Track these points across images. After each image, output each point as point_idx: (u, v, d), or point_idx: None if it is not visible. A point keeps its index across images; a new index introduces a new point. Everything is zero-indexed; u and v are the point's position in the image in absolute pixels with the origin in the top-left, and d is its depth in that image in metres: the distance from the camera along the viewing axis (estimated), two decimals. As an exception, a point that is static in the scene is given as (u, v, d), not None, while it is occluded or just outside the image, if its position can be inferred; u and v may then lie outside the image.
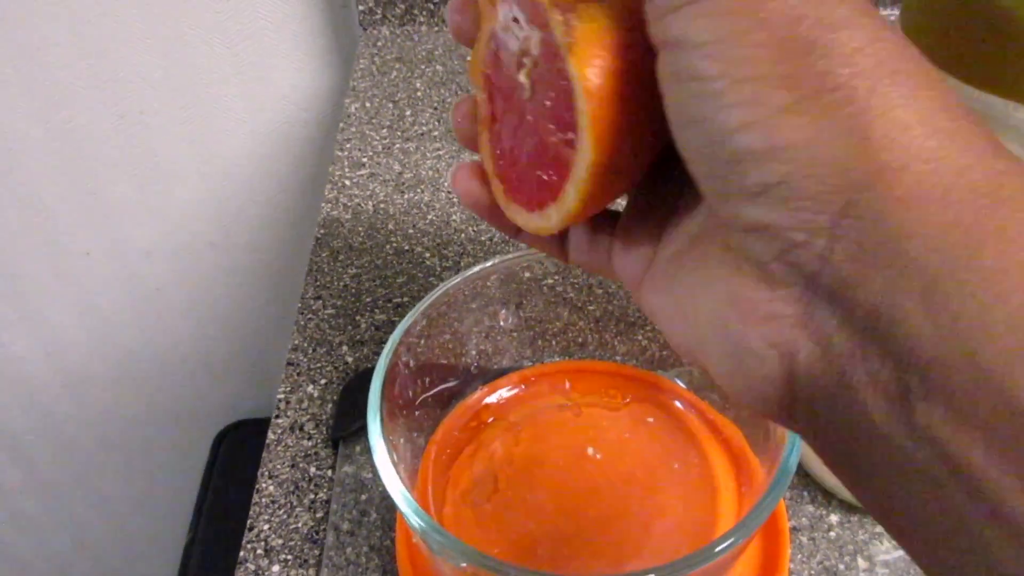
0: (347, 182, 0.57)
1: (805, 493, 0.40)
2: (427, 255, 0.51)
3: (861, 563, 0.37)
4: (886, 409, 0.16)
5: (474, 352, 0.41)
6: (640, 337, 0.45)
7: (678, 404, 0.41)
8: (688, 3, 0.17)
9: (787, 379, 0.18)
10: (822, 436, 0.18)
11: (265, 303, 0.88)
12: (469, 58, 0.25)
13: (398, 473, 0.31)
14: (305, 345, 0.47)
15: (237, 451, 0.94)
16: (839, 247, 0.16)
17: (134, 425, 1.00)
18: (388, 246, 0.52)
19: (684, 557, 0.28)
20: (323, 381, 0.45)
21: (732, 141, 0.17)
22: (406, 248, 0.52)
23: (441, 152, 0.59)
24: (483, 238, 0.52)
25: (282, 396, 0.44)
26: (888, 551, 0.37)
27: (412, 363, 0.37)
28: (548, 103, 0.21)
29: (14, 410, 0.95)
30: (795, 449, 0.31)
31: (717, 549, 0.28)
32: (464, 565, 0.29)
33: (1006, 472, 0.14)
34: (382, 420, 0.33)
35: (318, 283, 0.50)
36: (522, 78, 0.22)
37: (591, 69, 0.19)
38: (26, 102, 0.70)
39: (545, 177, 0.22)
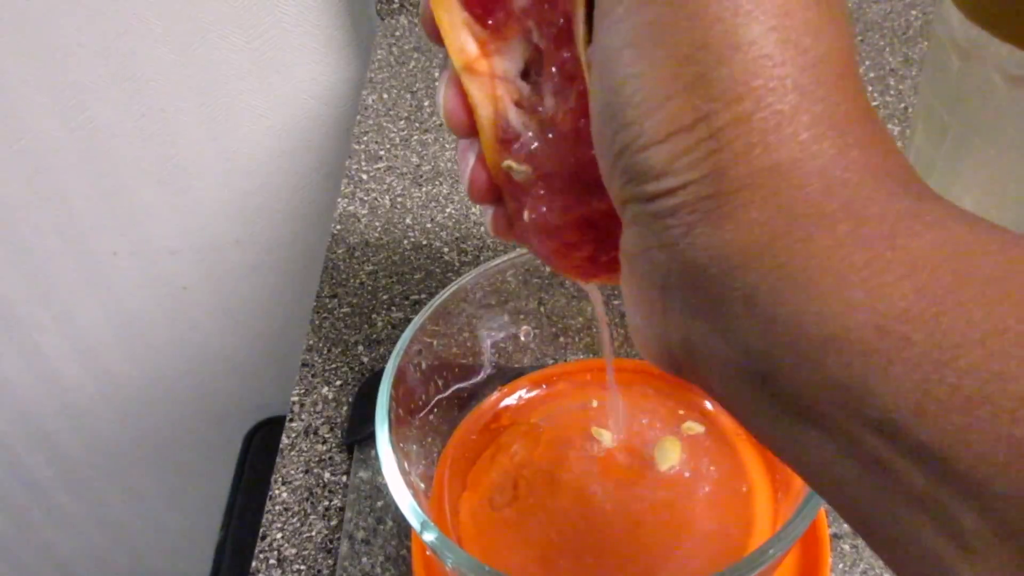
0: (364, 176, 0.55)
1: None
2: (445, 250, 0.50)
3: (908, 573, 0.35)
4: (742, 383, 0.16)
5: (491, 351, 0.39)
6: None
7: (708, 403, 0.39)
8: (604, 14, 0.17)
9: (668, 353, 0.18)
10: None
11: (291, 300, 0.88)
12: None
13: (408, 484, 0.29)
14: (320, 345, 0.45)
15: (267, 448, 0.94)
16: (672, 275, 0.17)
17: (165, 422, 1.00)
18: (405, 241, 0.50)
19: (723, 571, 0.26)
20: (338, 382, 0.44)
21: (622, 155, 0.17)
22: (424, 243, 0.50)
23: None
24: (503, 231, 0.50)
25: (296, 399, 0.43)
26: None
27: (425, 364, 0.35)
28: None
29: (48, 409, 0.95)
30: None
31: (753, 564, 0.26)
32: (477, 581, 0.27)
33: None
34: (391, 428, 0.31)
35: (334, 280, 0.49)
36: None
37: None
38: (48, 103, 0.70)
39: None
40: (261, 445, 0.95)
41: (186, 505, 1.10)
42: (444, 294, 0.35)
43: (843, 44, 0.16)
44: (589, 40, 0.18)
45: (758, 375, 0.16)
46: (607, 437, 0.38)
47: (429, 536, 0.27)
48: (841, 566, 0.35)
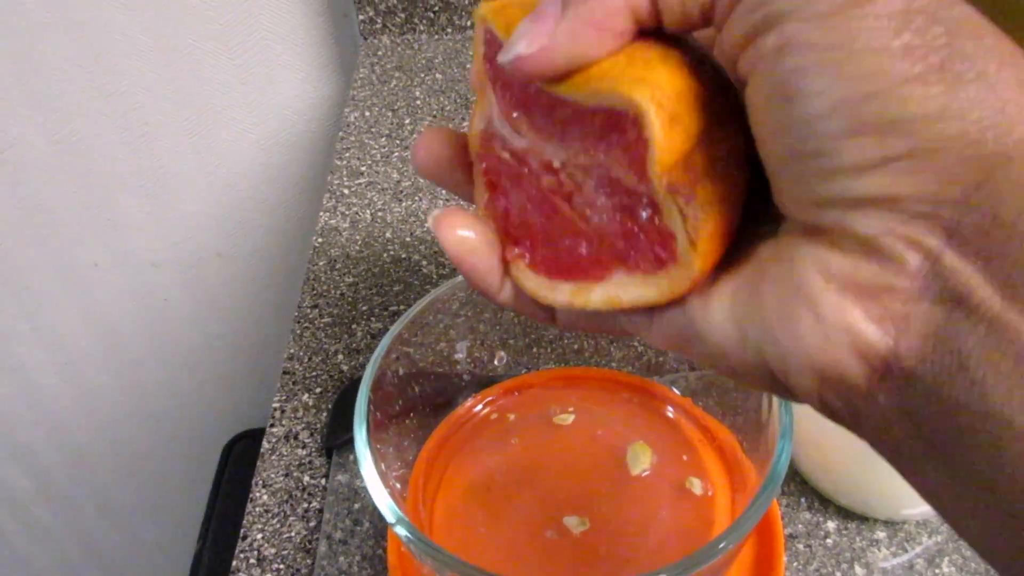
0: (345, 191, 0.57)
1: (802, 500, 0.39)
2: (424, 263, 0.51)
3: (859, 570, 0.36)
4: (1013, 396, 0.15)
5: (466, 360, 0.41)
6: (636, 343, 0.45)
7: (672, 410, 0.41)
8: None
9: (883, 357, 0.17)
10: (907, 415, 0.17)
11: (272, 312, 0.89)
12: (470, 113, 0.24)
13: (384, 483, 0.31)
14: (301, 354, 0.47)
15: (246, 460, 0.94)
16: (968, 220, 0.16)
17: (144, 434, 1.00)
18: (385, 254, 0.52)
19: (677, 562, 0.28)
20: (318, 390, 0.45)
21: (853, 112, 0.16)
22: (403, 256, 0.52)
23: (439, 160, 0.59)
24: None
25: (277, 405, 0.44)
26: (887, 558, 0.37)
27: (402, 371, 0.37)
28: (605, 214, 0.22)
29: (27, 421, 0.95)
30: (786, 450, 0.31)
31: (708, 554, 0.28)
32: (449, 574, 0.29)
33: None
34: (369, 431, 0.32)
35: (315, 292, 0.50)
36: (546, 179, 0.23)
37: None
38: (31, 116, 0.71)
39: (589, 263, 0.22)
40: (239, 457, 0.95)
41: (163, 518, 1.10)
42: (421, 303, 0.37)
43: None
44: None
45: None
46: (569, 420, 0.40)
47: (403, 531, 0.29)
48: (795, 564, 0.37)
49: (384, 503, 0.30)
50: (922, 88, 0.16)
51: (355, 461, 0.42)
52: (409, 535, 0.29)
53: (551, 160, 0.22)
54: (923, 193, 0.16)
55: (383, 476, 0.32)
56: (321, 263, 0.52)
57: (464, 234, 0.23)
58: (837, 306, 0.17)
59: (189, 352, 0.93)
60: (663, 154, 0.19)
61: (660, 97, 0.19)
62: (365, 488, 0.41)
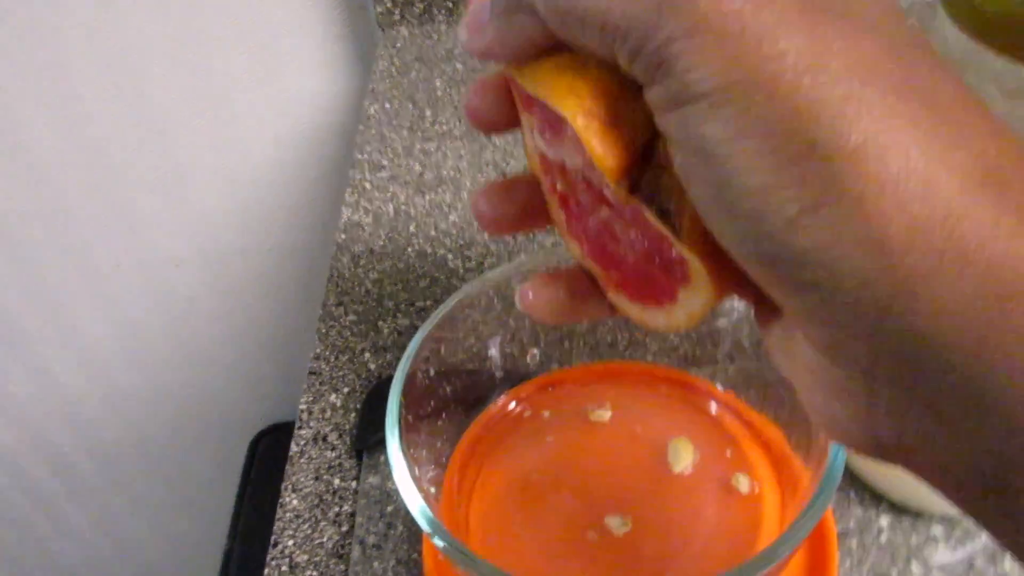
0: (367, 185, 0.56)
1: (852, 494, 0.38)
2: (450, 257, 0.50)
3: (916, 569, 0.35)
4: (972, 487, 0.16)
5: (498, 357, 0.39)
6: (672, 335, 0.43)
7: (714, 404, 0.39)
8: (689, 101, 0.16)
9: (876, 443, 0.17)
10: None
11: (295, 307, 0.88)
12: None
13: (419, 490, 0.30)
14: (327, 353, 0.46)
15: (272, 455, 0.94)
16: (882, 359, 0.16)
17: (170, 432, 1.00)
18: (410, 249, 0.50)
19: (730, 572, 0.26)
20: (346, 389, 0.44)
21: (758, 247, 0.16)
22: (428, 251, 0.50)
23: (462, 151, 0.57)
24: (506, 238, 0.51)
25: (304, 407, 0.43)
26: (944, 555, 0.35)
27: (432, 372, 0.35)
28: (636, 231, 0.21)
29: (54, 421, 0.96)
30: (841, 451, 0.29)
31: (764, 562, 0.27)
32: (489, 583, 0.28)
33: None
34: (401, 434, 0.31)
35: (339, 289, 0.49)
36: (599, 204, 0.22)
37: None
38: (49, 116, 0.70)
39: (656, 280, 0.21)
40: (266, 452, 0.96)
41: (192, 513, 1.10)
42: (451, 302, 0.36)
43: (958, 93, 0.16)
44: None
45: (994, 481, 0.15)
46: (606, 416, 0.38)
47: (441, 542, 0.28)
48: (848, 563, 0.35)
49: (420, 512, 0.29)
50: (809, 225, 0.15)
51: (386, 462, 0.41)
52: (447, 547, 0.27)
53: (578, 172, 0.21)
54: (835, 325, 0.16)
55: (417, 482, 0.31)
56: (344, 259, 0.51)
57: (556, 296, 0.24)
58: (826, 398, 0.18)
59: (213, 349, 0.93)
60: (607, 162, 0.18)
61: (590, 105, 0.18)
62: (397, 491, 0.40)
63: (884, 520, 0.37)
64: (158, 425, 0.99)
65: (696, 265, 0.19)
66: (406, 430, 0.32)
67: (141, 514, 1.09)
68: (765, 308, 0.20)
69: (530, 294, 0.24)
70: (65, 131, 0.71)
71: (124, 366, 0.93)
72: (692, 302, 0.20)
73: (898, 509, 0.37)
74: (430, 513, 0.29)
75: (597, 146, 0.18)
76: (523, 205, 0.24)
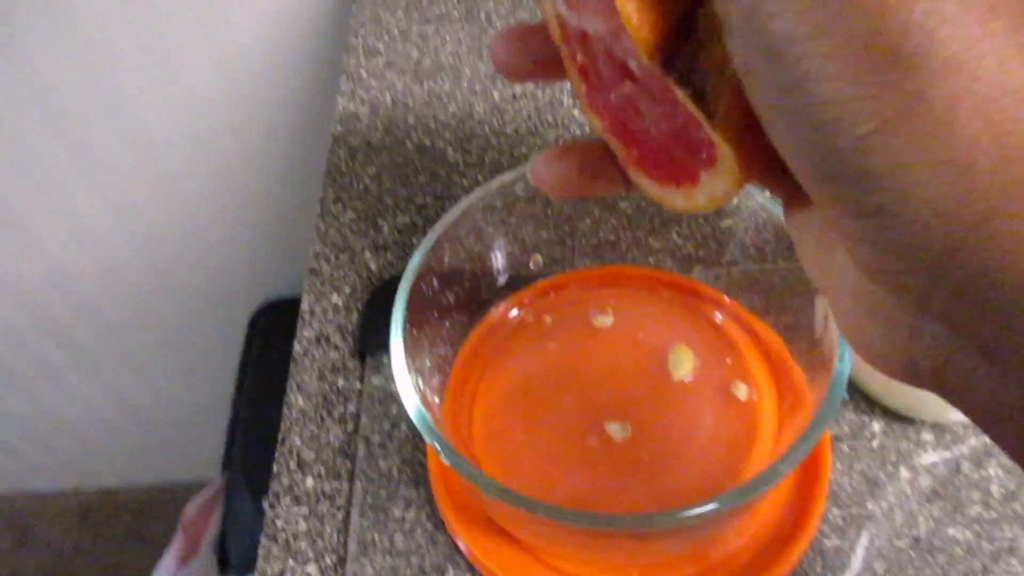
0: (363, 72, 0.53)
1: (847, 399, 0.38)
2: (449, 150, 0.49)
3: (904, 472, 0.36)
4: (1019, 427, 0.15)
5: (502, 259, 0.39)
6: (675, 235, 0.43)
7: (715, 310, 0.39)
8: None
9: (911, 371, 0.17)
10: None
11: (288, 188, 0.87)
12: None
13: (421, 400, 0.30)
14: (327, 252, 0.45)
15: (272, 330, 0.96)
16: (940, 292, 0.15)
17: (169, 307, 1.01)
18: (408, 142, 0.49)
19: (735, 488, 0.27)
20: (347, 290, 0.44)
21: (823, 162, 0.15)
22: (427, 144, 0.49)
23: (462, 35, 0.55)
24: (508, 130, 0.49)
25: (306, 306, 0.43)
26: (932, 460, 0.36)
27: (436, 280, 0.35)
28: (662, 108, 0.20)
29: (52, 296, 0.96)
30: (845, 371, 0.29)
31: (765, 481, 0.27)
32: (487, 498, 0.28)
33: None
34: (405, 345, 0.31)
35: (337, 184, 0.48)
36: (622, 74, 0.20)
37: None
38: (29, -7, 0.67)
39: (678, 161, 0.20)
40: (266, 327, 0.97)
41: (195, 383, 1.13)
42: (455, 211, 0.35)
43: None
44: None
45: None
46: (608, 322, 0.38)
47: (444, 455, 0.28)
48: (840, 466, 0.37)
49: (421, 421, 0.29)
50: (883, 143, 0.14)
51: (389, 364, 0.41)
52: (450, 459, 0.28)
53: (600, 42, 0.20)
54: (894, 253, 0.15)
55: (420, 392, 0.31)
56: (342, 153, 0.49)
57: (569, 169, 0.23)
58: (864, 319, 0.17)
59: (209, 227, 0.93)
60: (642, 33, 0.17)
61: None
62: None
63: (877, 425, 0.37)
64: (157, 300, 1.00)
65: (725, 151, 0.18)
66: (409, 341, 0.32)
67: (144, 381, 1.12)
68: (799, 211, 0.19)
69: (542, 167, 0.23)
70: (51, 11, 0.68)
71: (119, 242, 0.93)
72: (714, 187, 0.20)
73: (891, 415, 0.38)
74: (431, 423, 0.29)
75: (633, 14, 0.17)
76: (539, 55, 0.23)
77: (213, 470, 0.91)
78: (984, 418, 0.16)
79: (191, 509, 0.73)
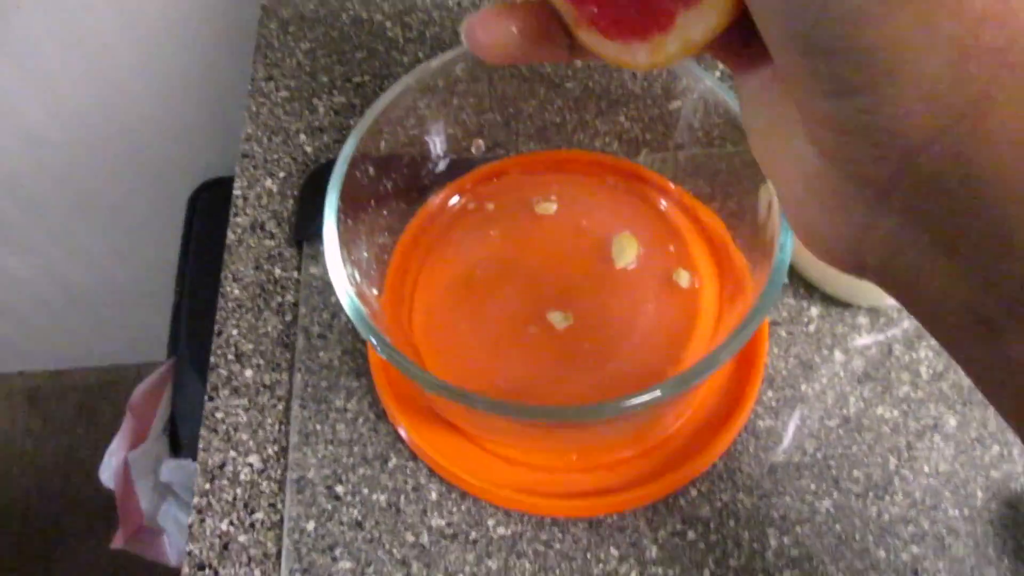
0: (291, -67, 0.49)
1: (787, 285, 0.39)
2: (388, 24, 0.46)
3: (838, 355, 0.37)
4: (964, 323, 0.15)
5: (442, 143, 0.38)
6: (622, 117, 0.42)
7: (660, 196, 0.39)
8: None
9: (858, 262, 0.16)
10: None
11: (218, 62, 0.82)
12: None
13: (357, 293, 0.29)
14: (259, 134, 0.43)
15: (212, 210, 0.94)
16: (906, 182, 0.14)
17: (103, 185, 0.98)
18: (344, 15, 0.46)
19: (676, 376, 0.27)
20: (281, 174, 0.42)
21: (812, 33, 0.13)
22: (364, 17, 0.46)
23: None
24: (450, 3, 0.46)
25: (239, 192, 0.42)
26: (866, 342, 0.37)
27: (372, 166, 0.34)
28: None
29: (-21, 178, 0.92)
30: (786, 260, 0.29)
31: (708, 366, 0.27)
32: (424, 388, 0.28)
33: None
34: (340, 235, 0.30)
35: (268, 61, 0.45)
36: None
37: None
38: None
39: (649, 6, 0.19)
40: (206, 207, 0.95)
41: (137, 266, 1.11)
42: (392, 92, 0.33)
43: None
44: None
45: (988, 322, 0.14)
46: (551, 209, 0.38)
47: (381, 351, 0.28)
48: (776, 350, 0.37)
49: (358, 318, 0.29)
50: (889, 15, 0.13)
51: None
52: (389, 354, 0.28)
53: None
54: (876, 136, 0.14)
55: (355, 284, 0.30)
56: (272, 26, 0.46)
57: (507, 31, 0.20)
58: (816, 209, 0.17)
59: (136, 101, 0.88)
60: None
61: None
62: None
63: (815, 310, 0.38)
64: (89, 178, 0.96)
65: None
66: (344, 232, 0.31)
67: (84, 264, 1.09)
68: (755, 90, 0.18)
69: (477, 30, 0.21)
70: None
71: (41, 116, 0.88)
72: (693, 28, 0.18)
73: (829, 300, 0.38)
74: (367, 317, 0.29)
75: None
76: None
77: (161, 353, 0.91)
78: (921, 311, 0.16)
79: (139, 393, 0.73)
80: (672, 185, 0.39)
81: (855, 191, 0.15)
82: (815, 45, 0.14)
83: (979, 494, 0.33)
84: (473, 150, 0.39)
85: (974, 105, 0.13)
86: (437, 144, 0.37)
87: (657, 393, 0.27)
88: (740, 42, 0.19)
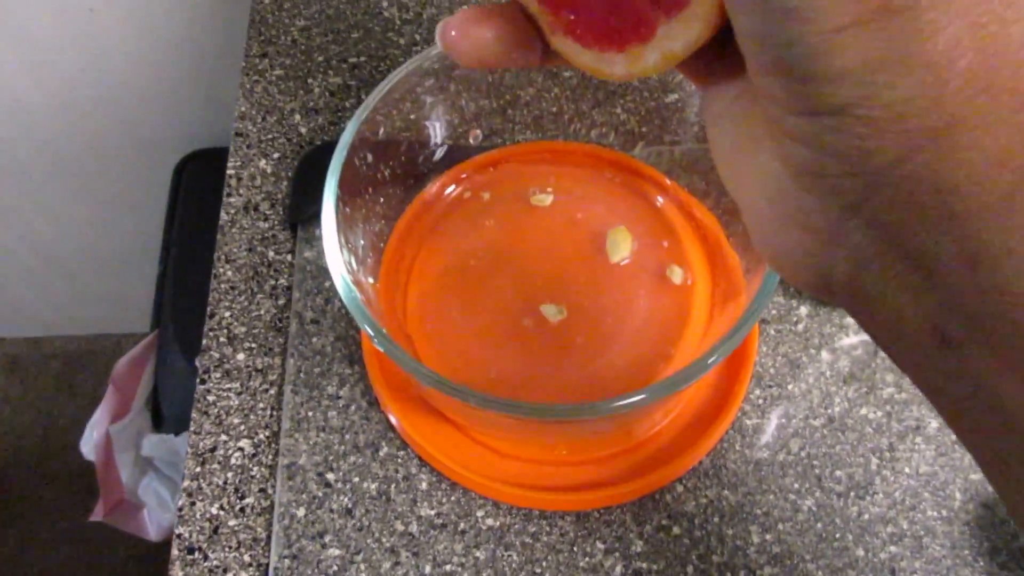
0: (289, -92, 0.48)
1: (777, 285, 0.39)
2: (384, 4, 0.45)
3: (825, 355, 0.37)
4: (925, 339, 0.15)
5: (440, 132, 0.37)
6: (619, 109, 0.42)
7: (656, 192, 0.39)
8: None
9: (823, 281, 0.17)
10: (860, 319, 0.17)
11: (209, 34, 0.81)
12: None
13: (354, 282, 0.29)
14: (253, 113, 0.42)
15: (198, 181, 0.93)
16: (877, 199, 0.14)
17: (87, 152, 0.96)
18: (341, -7, 0.45)
19: (668, 378, 0.28)
20: (276, 155, 0.42)
21: (787, 52, 0.13)
22: (361, -4, 0.45)
23: None
24: (449, -15, 0.46)
25: (232, 172, 0.41)
26: (853, 342, 0.38)
27: (370, 153, 0.33)
28: None
29: (-39, 142, 0.90)
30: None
31: (699, 369, 0.28)
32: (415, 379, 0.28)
33: None
34: (338, 224, 0.30)
35: (263, 37, 0.44)
36: None
37: None
38: None
39: (629, 16, 0.18)
40: (192, 178, 0.94)
41: (121, 236, 1.10)
42: (392, 79, 0.33)
43: None
44: None
45: (950, 338, 0.15)
46: (547, 200, 0.38)
47: (377, 341, 0.28)
48: (764, 349, 0.38)
49: (356, 309, 0.29)
50: (858, 39, 0.13)
51: (322, 238, 0.40)
52: (384, 347, 0.28)
53: None
54: (850, 152, 0.14)
55: (352, 272, 0.30)
56: (267, 1, 0.45)
57: (482, 36, 0.20)
58: (781, 227, 0.17)
59: (122, 68, 0.87)
60: None
61: None
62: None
63: (804, 309, 0.38)
64: (72, 146, 0.95)
65: None
66: (342, 218, 0.31)
67: (67, 233, 1.08)
68: (722, 104, 0.18)
69: (452, 32, 0.21)
70: None
71: (26, 82, 0.87)
72: (674, 40, 0.18)
73: (818, 300, 0.39)
74: (364, 308, 0.29)
75: None
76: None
77: (145, 324, 0.90)
78: (884, 328, 0.16)
79: (121, 365, 0.72)
80: (668, 181, 0.39)
81: (820, 206, 0.15)
82: (790, 67, 0.14)
83: (957, 496, 0.34)
84: (471, 139, 0.38)
85: (947, 127, 0.13)
86: (435, 132, 0.37)
87: (644, 396, 0.27)
88: (713, 56, 0.18)
